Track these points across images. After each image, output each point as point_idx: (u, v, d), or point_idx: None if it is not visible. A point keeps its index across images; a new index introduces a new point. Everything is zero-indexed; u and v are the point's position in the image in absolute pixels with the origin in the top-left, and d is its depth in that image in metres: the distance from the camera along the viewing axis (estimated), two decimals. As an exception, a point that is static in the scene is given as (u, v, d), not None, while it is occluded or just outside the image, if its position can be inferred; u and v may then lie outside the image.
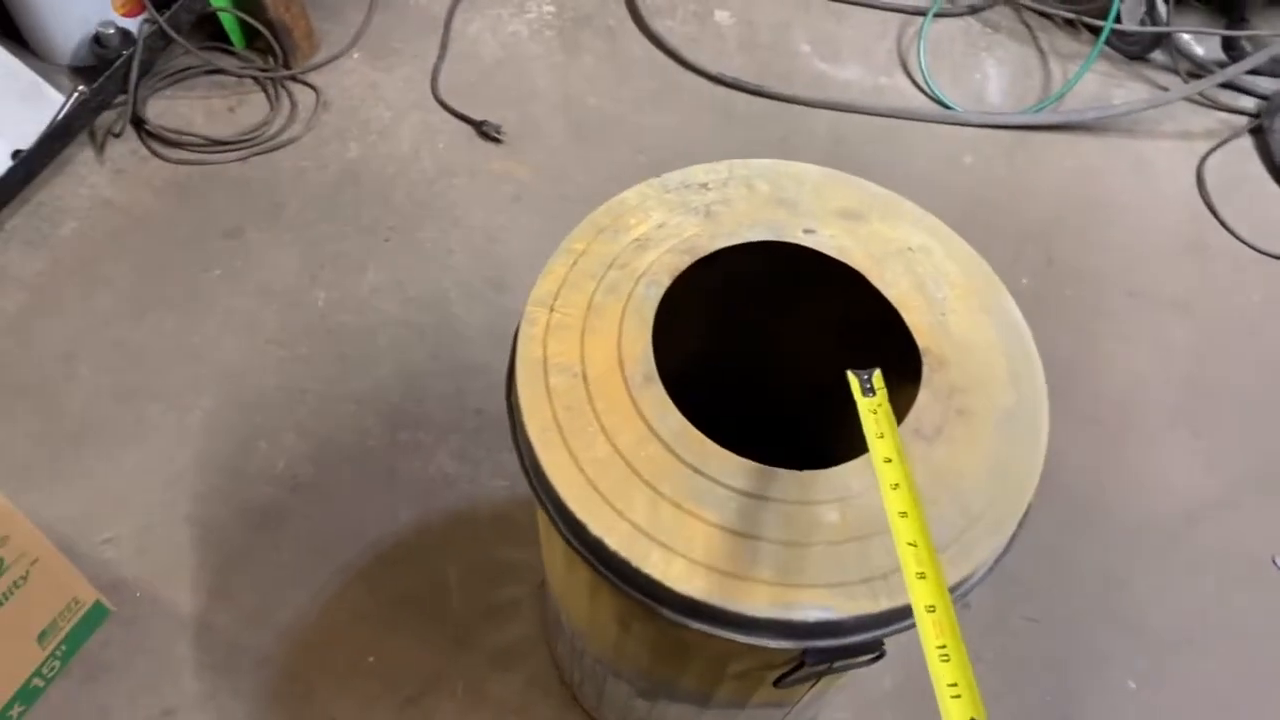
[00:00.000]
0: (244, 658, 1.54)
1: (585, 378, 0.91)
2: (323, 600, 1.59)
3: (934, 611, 0.70)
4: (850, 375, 0.86)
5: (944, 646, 0.68)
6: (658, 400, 0.90)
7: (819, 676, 0.97)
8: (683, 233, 1.03)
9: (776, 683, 0.96)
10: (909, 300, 0.98)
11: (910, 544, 0.74)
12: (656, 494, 0.85)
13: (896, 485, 0.77)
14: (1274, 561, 1.76)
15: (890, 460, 0.78)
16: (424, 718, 1.50)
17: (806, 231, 1.04)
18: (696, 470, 0.87)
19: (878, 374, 0.86)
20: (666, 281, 0.98)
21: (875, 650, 0.89)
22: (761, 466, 0.87)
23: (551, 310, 0.96)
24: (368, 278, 1.97)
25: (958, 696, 0.65)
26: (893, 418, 0.82)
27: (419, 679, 1.53)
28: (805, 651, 0.87)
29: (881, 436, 0.80)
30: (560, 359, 0.93)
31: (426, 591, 1.61)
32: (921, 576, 0.72)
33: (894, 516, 0.76)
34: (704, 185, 1.08)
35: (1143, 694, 1.61)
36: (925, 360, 0.94)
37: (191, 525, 1.65)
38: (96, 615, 1.52)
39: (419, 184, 2.14)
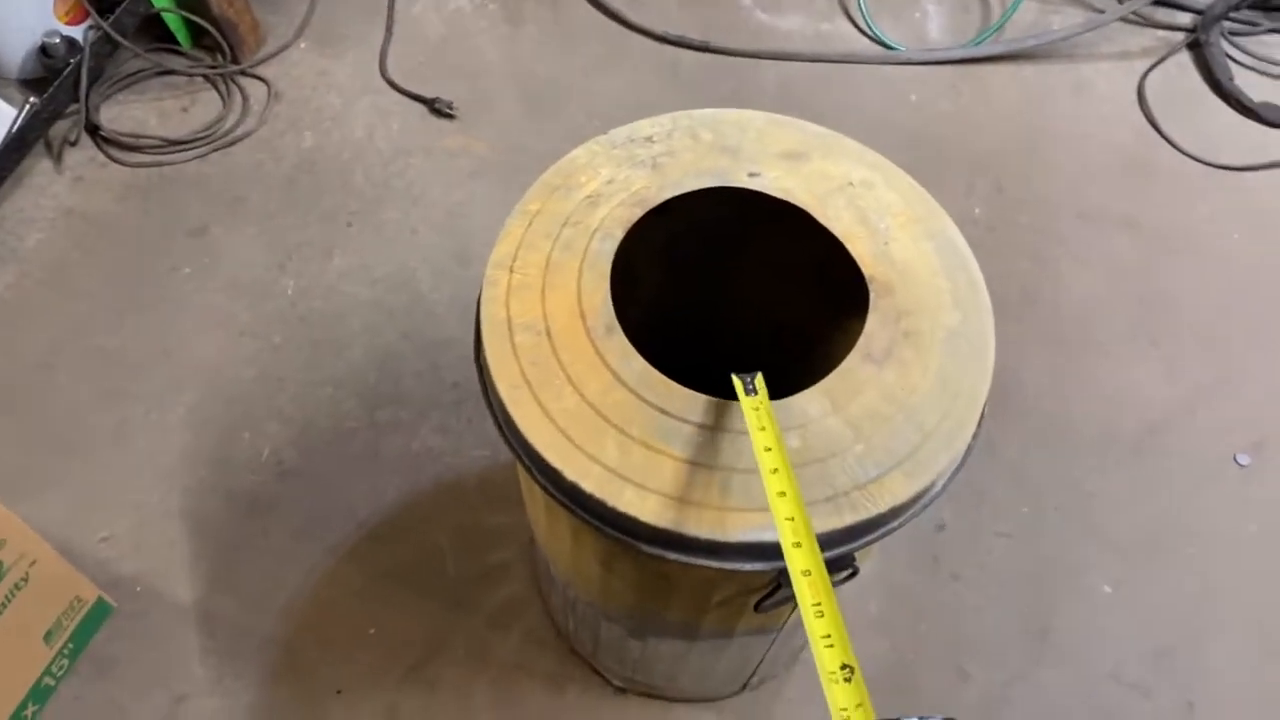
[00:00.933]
0: (248, 641, 1.58)
1: (549, 333, 0.95)
2: (318, 580, 1.63)
3: (809, 575, 0.78)
4: (734, 378, 0.91)
5: (819, 604, 0.76)
6: (620, 348, 0.94)
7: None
8: (632, 186, 1.06)
9: (757, 606, 1.01)
10: (853, 232, 1.03)
11: (788, 518, 0.80)
12: (626, 436, 0.89)
13: (775, 470, 0.83)
14: (1235, 460, 1.83)
15: (770, 449, 0.84)
16: (429, 682, 1.54)
17: (751, 175, 1.07)
18: (662, 410, 0.91)
19: (759, 377, 0.91)
20: (620, 234, 1.02)
21: (847, 567, 0.94)
22: (723, 401, 0.91)
23: (511, 271, 1.00)
24: (334, 263, 2.00)
25: (830, 646, 0.73)
26: (773, 413, 0.88)
27: (421, 646, 1.57)
28: (781, 572, 0.92)
29: (763, 429, 0.86)
30: (523, 317, 0.96)
31: (420, 562, 1.65)
32: (798, 545, 0.79)
33: (773, 496, 0.82)
34: (649, 139, 1.11)
35: (1118, 597, 1.68)
36: (871, 288, 0.98)
37: (184, 518, 1.69)
38: (100, 612, 1.55)
39: (376, 167, 2.16)
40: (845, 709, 0.67)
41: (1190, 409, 1.88)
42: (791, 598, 1.00)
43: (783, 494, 0.81)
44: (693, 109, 1.16)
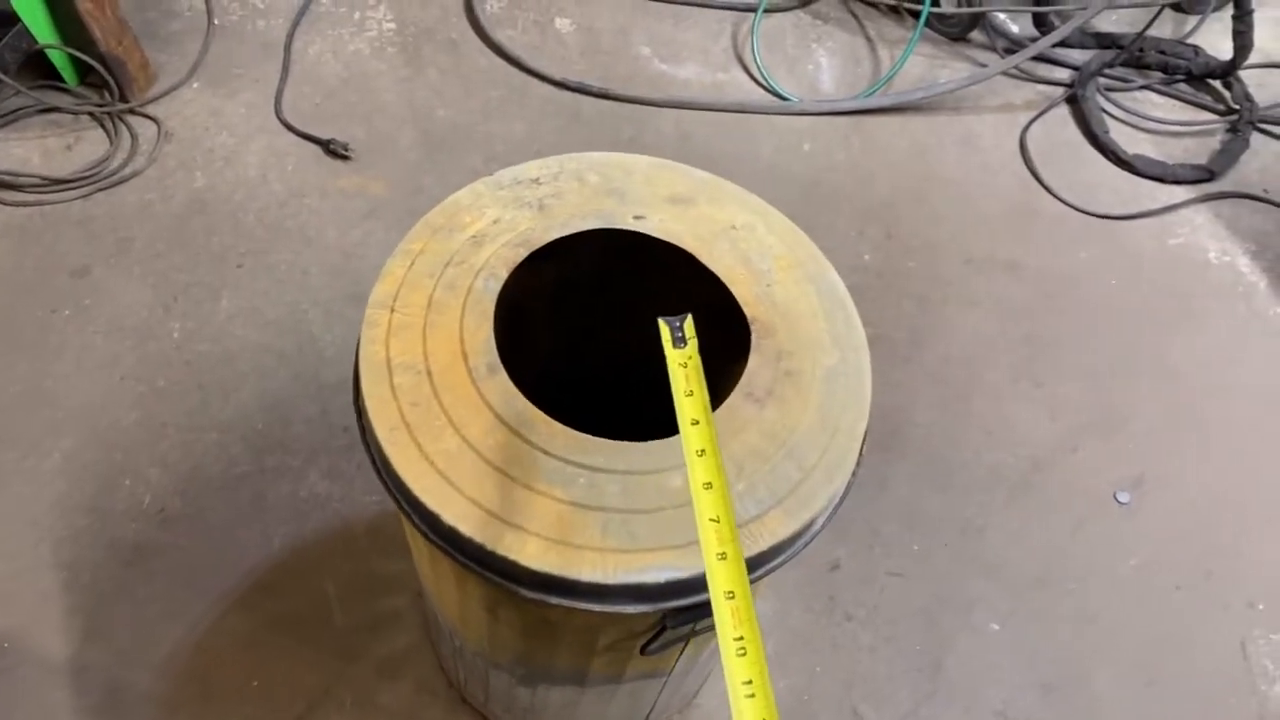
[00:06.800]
0: (124, 696, 1.51)
1: (430, 374, 0.94)
2: (201, 631, 1.58)
3: (733, 599, 0.64)
4: (661, 323, 0.80)
5: (741, 639, 0.62)
6: (502, 388, 0.93)
7: (685, 639, 1.02)
8: (517, 226, 1.06)
9: (643, 650, 1.00)
10: (736, 275, 1.04)
11: (713, 520, 0.68)
12: (507, 478, 0.88)
13: (702, 452, 0.71)
14: (1115, 498, 1.89)
15: (698, 423, 0.71)
16: (314, 735, 1.50)
17: (637, 218, 1.08)
18: (545, 451, 0.90)
19: (689, 321, 0.80)
20: (504, 274, 1.01)
21: (730, 607, 0.93)
22: (607, 441, 0.91)
23: (392, 311, 0.99)
24: (223, 305, 1.95)
25: (751, 696, 0.60)
26: (702, 374, 0.76)
27: (306, 697, 1.53)
28: (664, 614, 0.91)
29: (690, 395, 0.73)
30: (403, 358, 0.95)
31: (307, 611, 1.61)
32: (723, 558, 0.66)
33: (697, 489, 0.69)
34: (536, 180, 1.12)
35: (1006, 633, 1.71)
36: (754, 329, 0.99)
37: (59, 569, 1.62)
38: (-38, 671, 1.48)
39: (269, 207, 2.13)
40: None
41: (1072, 447, 1.94)
42: (676, 640, 1.00)
43: (709, 486, 0.69)
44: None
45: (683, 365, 0.76)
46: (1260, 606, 1.78)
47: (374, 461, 0.95)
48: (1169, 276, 2.27)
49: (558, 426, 0.91)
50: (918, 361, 2.01)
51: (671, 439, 0.91)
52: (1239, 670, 1.71)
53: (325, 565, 1.65)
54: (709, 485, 0.70)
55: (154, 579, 1.62)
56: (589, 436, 0.91)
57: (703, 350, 1.15)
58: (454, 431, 0.91)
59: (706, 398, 0.74)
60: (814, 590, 1.70)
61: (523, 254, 1.03)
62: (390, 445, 0.90)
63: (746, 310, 1.01)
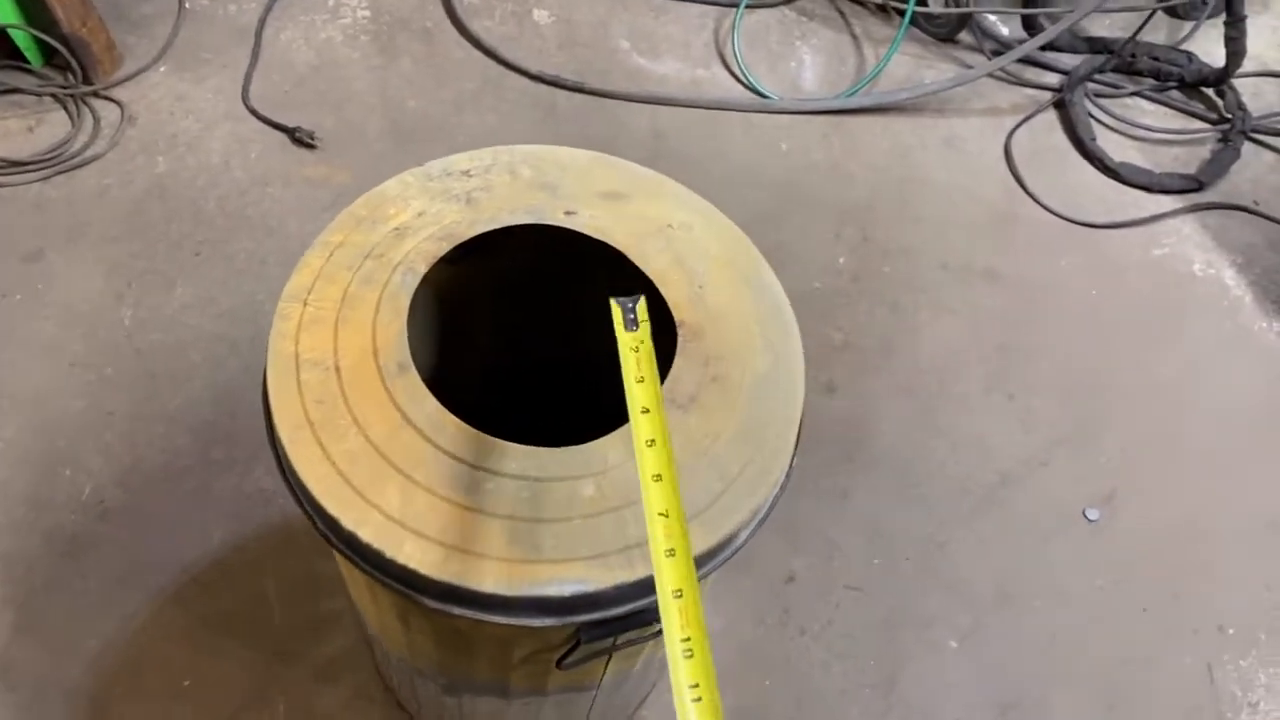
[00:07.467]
0: (51, 692, 1.47)
1: (338, 370, 0.90)
2: (134, 627, 1.54)
3: (680, 598, 0.62)
4: (613, 304, 0.76)
5: (688, 639, 0.61)
6: (412, 388, 0.89)
7: (607, 653, 0.97)
8: (442, 220, 1.02)
9: (559, 664, 0.96)
10: (668, 275, 0.99)
11: (662, 514, 0.66)
12: (411, 482, 0.84)
13: (652, 442, 0.68)
14: (1084, 514, 1.84)
15: (648, 411, 0.68)
16: (245, 739, 1.46)
17: (568, 214, 1.04)
18: (453, 455, 0.86)
19: (642, 303, 0.76)
20: (422, 269, 0.97)
21: (649, 621, 0.89)
22: (517, 446, 0.86)
23: (305, 304, 0.95)
24: (177, 294, 1.91)
25: (699, 700, 0.58)
26: (654, 360, 0.72)
27: (238, 699, 1.48)
28: (579, 628, 0.87)
29: (641, 381, 0.70)
30: (312, 353, 0.91)
31: (245, 610, 1.57)
32: (671, 554, 0.63)
33: (647, 480, 0.67)
34: (466, 172, 1.07)
35: (964, 651, 1.66)
36: (680, 331, 0.95)
37: (-8, 560, 1.58)
38: (-117, 664, 1.44)
39: (230, 195, 2.08)
40: None
41: (1043, 462, 1.90)
42: (595, 654, 0.95)
43: (658, 478, 0.67)
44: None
45: (634, 349, 0.72)
46: (1230, 631, 1.73)
47: (278, 461, 0.91)
48: (1152, 288, 2.22)
49: (467, 429, 0.87)
50: (887, 370, 1.96)
51: (585, 445, 0.87)
52: (1205, 696, 1.67)
53: (266, 563, 1.61)
54: (658, 477, 0.67)
55: (89, 573, 1.58)
56: (498, 440, 0.87)
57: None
58: (358, 431, 0.87)
59: (659, 385, 0.70)
60: (767, 603, 1.65)
61: (445, 248, 0.99)
62: (293, 445, 0.86)
63: (675, 312, 0.96)
